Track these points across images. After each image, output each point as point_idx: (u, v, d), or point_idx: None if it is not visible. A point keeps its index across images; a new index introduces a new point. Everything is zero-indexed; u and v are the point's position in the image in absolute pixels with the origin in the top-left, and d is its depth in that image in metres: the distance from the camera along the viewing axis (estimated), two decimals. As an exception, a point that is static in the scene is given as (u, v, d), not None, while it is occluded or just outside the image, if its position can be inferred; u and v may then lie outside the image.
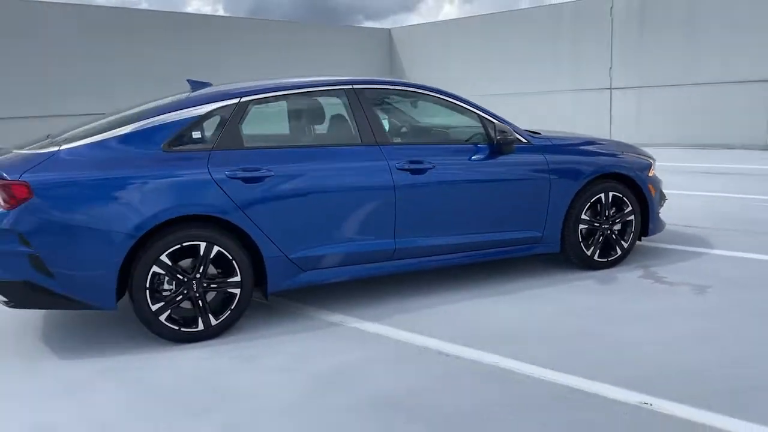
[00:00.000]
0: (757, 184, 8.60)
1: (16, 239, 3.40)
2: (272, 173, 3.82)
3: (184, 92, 4.41)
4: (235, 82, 4.39)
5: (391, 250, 4.17)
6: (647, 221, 5.02)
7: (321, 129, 4.47)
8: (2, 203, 3.43)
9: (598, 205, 4.78)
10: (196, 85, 4.39)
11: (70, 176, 3.48)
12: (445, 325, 3.88)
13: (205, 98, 3.91)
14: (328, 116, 4.48)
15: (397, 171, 4.12)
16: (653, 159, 5.22)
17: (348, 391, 3.08)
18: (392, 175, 4.11)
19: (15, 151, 3.81)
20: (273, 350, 3.60)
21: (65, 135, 3.88)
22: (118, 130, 3.69)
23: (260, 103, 4.04)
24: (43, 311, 4.29)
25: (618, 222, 4.87)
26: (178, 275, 3.63)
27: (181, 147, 3.74)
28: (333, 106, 4.40)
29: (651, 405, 2.82)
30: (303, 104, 4.43)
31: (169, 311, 3.63)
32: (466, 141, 4.53)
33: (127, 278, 3.59)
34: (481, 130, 4.51)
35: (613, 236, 4.87)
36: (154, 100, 4.43)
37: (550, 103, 15.71)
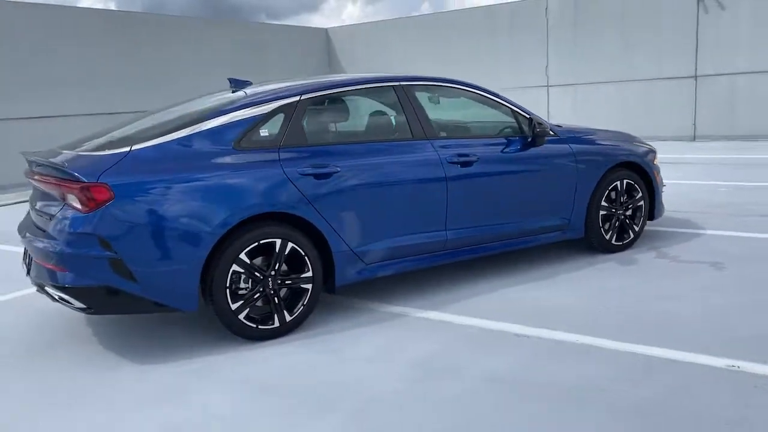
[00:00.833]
0: (708, 172, 9.30)
1: (96, 243, 3.31)
2: (338, 169, 3.88)
3: (225, 90, 4.40)
4: (278, 81, 4.41)
5: (444, 240, 4.31)
6: (653, 206, 5.40)
7: (375, 124, 4.55)
8: (80, 206, 3.33)
9: (614, 192, 5.11)
10: (237, 83, 4.37)
11: (150, 177, 3.42)
12: (503, 309, 4.05)
13: (267, 96, 3.91)
14: (381, 112, 4.57)
15: (447, 164, 4.27)
16: (655, 148, 5.60)
17: (453, 375, 3.19)
18: (444, 168, 4.25)
19: (66, 151, 3.69)
20: (354, 342, 3.66)
21: (121, 135, 3.80)
22: (187, 129, 3.64)
23: (319, 101, 4.09)
24: (97, 317, 4.16)
25: (630, 207, 5.22)
26: (255, 273, 3.63)
27: (250, 145, 3.74)
28: (384, 102, 4.50)
29: (738, 367, 3.10)
30: (358, 101, 4.50)
31: (247, 310, 3.63)
32: (499, 134, 4.74)
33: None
34: (514, 123, 4.73)
35: (627, 221, 5.21)
36: (198, 98, 4.40)
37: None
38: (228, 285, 3.54)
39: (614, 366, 3.20)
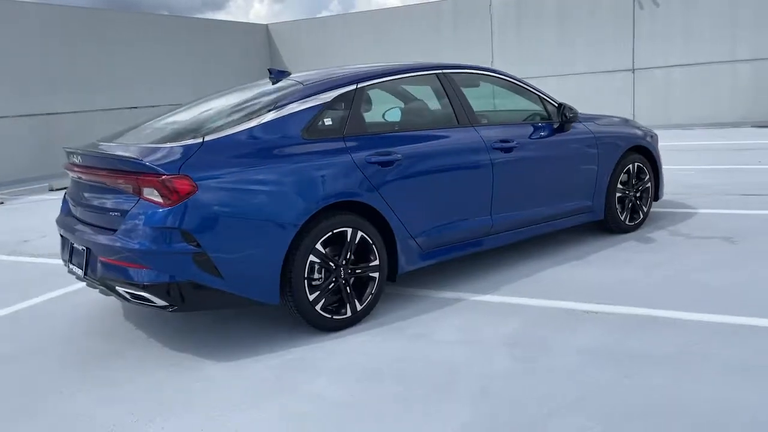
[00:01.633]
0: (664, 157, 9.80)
1: (179, 237, 3.18)
2: (400, 156, 3.88)
3: (264, 81, 4.31)
4: (316, 70, 4.37)
5: (489, 225, 4.39)
6: (658, 188, 5.68)
7: (425, 112, 4.56)
8: (160, 200, 3.19)
9: (626, 174, 5.34)
10: (278, 74, 4.28)
11: (229, 168, 3.31)
12: (557, 289, 4.16)
13: (326, 85, 3.85)
14: (428, 99, 4.58)
15: (492, 150, 4.34)
16: (654, 132, 5.89)
17: (549, 352, 3.26)
18: (489, 154, 4.32)
19: (128, 144, 3.55)
20: (435, 327, 3.66)
21: (182, 126, 3.67)
22: (255, 120, 3.55)
23: (373, 89, 4.08)
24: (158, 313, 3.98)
25: (639, 189, 5.47)
26: (330, 263, 3.58)
27: (317, 134, 3.68)
28: (430, 89, 4.51)
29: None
30: (407, 88, 4.50)
31: (323, 300, 3.58)
32: (530, 120, 4.86)
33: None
34: (542, 110, 4.86)
35: (637, 202, 5.46)
36: (240, 88, 4.29)
37: (436, 95, 16.44)
38: (306, 276, 3.48)
39: (695, 337, 3.34)
